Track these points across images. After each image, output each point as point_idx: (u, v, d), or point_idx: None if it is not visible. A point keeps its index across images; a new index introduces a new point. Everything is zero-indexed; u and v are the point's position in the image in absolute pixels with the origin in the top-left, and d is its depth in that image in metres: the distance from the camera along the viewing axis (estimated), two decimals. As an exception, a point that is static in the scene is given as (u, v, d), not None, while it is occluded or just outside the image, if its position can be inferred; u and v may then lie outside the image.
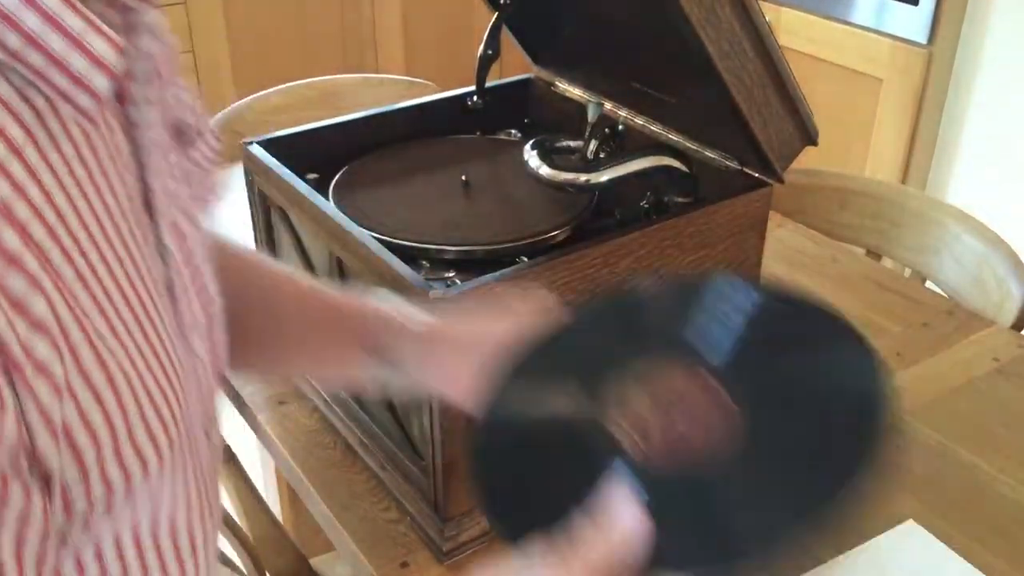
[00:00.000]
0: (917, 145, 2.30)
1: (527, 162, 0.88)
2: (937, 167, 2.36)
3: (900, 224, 1.37)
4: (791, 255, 1.28)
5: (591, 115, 0.89)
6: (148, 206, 0.50)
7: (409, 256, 0.80)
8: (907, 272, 1.39)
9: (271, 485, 1.34)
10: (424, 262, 0.84)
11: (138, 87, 0.49)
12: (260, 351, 0.74)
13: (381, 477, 0.89)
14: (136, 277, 0.47)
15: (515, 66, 1.15)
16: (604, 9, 0.92)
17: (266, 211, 0.97)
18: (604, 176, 0.85)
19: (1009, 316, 1.15)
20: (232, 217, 1.32)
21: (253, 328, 0.71)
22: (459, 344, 0.66)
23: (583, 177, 0.85)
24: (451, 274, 0.83)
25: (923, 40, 2.17)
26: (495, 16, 1.04)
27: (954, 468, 0.92)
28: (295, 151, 0.96)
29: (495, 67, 1.07)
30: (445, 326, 0.67)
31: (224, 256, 0.64)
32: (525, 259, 0.82)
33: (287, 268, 0.81)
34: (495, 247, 0.84)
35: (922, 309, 1.17)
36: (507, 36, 1.07)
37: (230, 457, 1.08)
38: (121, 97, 0.49)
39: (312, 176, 0.93)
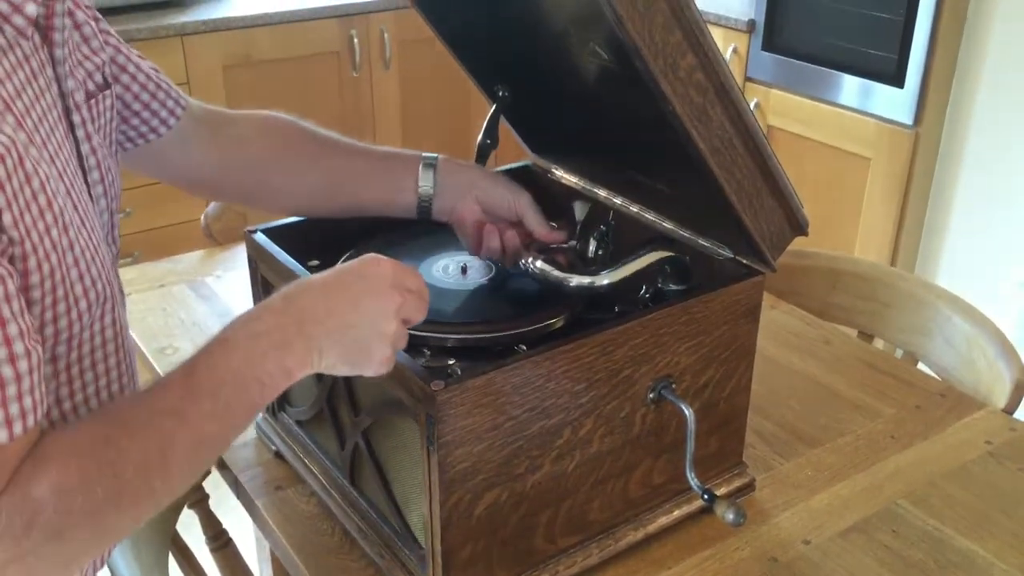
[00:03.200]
0: (906, 224, 2.34)
1: (530, 265, 0.90)
2: (926, 245, 2.40)
3: (891, 305, 1.39)
4: (784, 336, 1.30)
5: (578, 214, 0.92)
6: (67, 112, 0.77)
7: (410, 344, 0.82)
8: (899, 352, 1.40)
9: (267, 571, 1.33)
10: (425, 350, 0.85)
11: (59, 34, 0.76)
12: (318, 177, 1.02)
13: (379, 565, 0.88)
14: (57, 149, 0.73)
15: (512, 152, 1.18)
16: (600, 102, 0.95)
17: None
18: (606, 280, 0.87)
19: (1001, 398, 1.16)
20: (235, 294, 1.34)
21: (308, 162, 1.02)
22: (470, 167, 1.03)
23: (587, 280, 0.87)
24: (451, 362, 0.84)
25: (909, 121, 2.23)
26: (493, 108, 1.07)
27: (950, 554, 0.92)
28: (297, 239, 0.98)
29: (492, 153, 1.10)
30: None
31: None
32: (524, 347, 0.84)
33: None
34: (495, 335, 0.86)
35: (915, 391, 1.18)
36: (504, 124, 1.11)
37: (226, 542, 1.08)
38: (48, 41, 0.75)
39: (314, 263, 0.95)
